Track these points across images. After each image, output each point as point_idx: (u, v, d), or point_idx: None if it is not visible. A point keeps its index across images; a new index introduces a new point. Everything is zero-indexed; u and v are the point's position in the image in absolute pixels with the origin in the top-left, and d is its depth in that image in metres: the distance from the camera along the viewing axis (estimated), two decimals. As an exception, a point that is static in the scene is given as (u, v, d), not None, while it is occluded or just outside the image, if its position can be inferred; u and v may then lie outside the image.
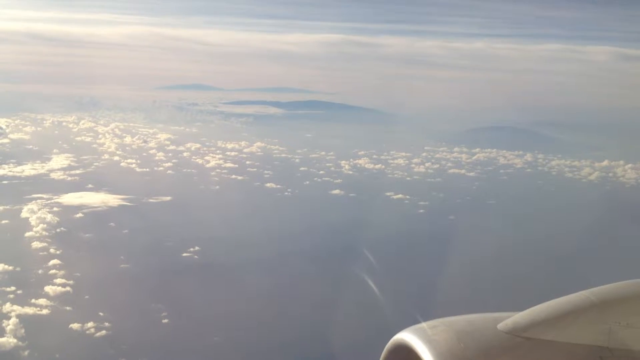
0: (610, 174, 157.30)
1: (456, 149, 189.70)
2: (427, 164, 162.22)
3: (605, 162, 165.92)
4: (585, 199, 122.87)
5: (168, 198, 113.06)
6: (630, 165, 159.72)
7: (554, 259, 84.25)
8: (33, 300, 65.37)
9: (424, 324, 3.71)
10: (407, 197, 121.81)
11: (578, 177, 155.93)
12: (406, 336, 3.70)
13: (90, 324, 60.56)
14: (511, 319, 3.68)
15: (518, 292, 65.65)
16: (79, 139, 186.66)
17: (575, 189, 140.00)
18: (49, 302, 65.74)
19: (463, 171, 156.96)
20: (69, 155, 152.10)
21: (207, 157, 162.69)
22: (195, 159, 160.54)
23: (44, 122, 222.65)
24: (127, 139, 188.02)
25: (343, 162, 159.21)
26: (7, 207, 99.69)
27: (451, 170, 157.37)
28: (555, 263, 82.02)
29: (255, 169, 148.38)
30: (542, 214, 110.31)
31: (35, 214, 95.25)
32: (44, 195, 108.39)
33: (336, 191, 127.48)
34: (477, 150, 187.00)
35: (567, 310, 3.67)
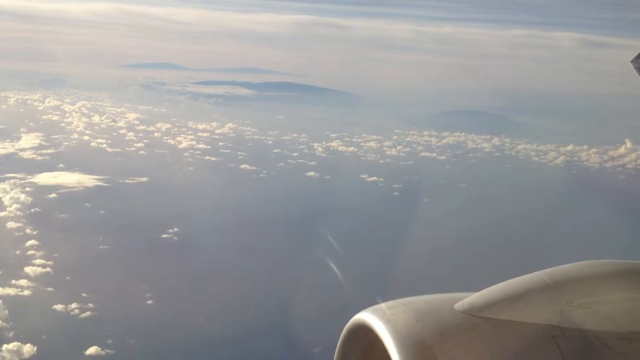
0: (575, 158, 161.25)
1: (426, 132, 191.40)
2: (398, 147, 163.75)
3: (570, 147, 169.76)
4: (552, 182, 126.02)
5: (144, 179, 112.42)
6: (594, 149, 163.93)
7: (523, 240, 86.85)
8: (13, 281, 65.10)
9: (382, 305, 3.83)
10: (381, 179, 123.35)
11: (544, 161, 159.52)
12: (365, 316, 3.81)
13: (74, 305, 60.64)
14: (467, 299, 3.81)
15: (489, 272, 67.53)
16: (45, 117, 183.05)
17: (542, 172, 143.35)
18: (30, 282, 65.53)
19: (434, 154, 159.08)
20: (38, 134, 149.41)
21: (178, 138, 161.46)
22: (167, 140, 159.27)
23: (8, 99, 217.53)
24: (95, 118, 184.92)
25: (316, 144, 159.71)
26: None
27: (422, 154, 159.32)
28: (524, 244, 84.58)
29: (228, 150, 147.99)
30: (512, 197, 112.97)
31: (8, 194, 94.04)
32: (17, 175, 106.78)
33: (311, 173, 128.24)
34: (447, 134, 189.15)
35: (522, 290, 3.83)
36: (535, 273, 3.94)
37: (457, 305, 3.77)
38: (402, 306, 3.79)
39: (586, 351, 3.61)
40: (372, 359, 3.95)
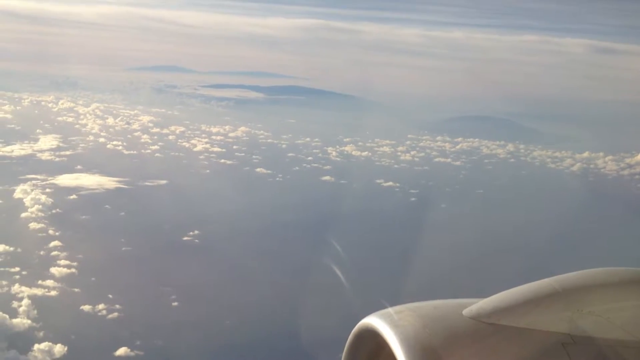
0: (592, 165, 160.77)
1: (439, 137, 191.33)
2: (412, 152, 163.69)
3: (586, 154, 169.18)
4: (570, 189, 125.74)
5: (163, 182, 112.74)
6: (610, 157, 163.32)
7: (539, 247, 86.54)
8: (40, 282, 65.38)
9: (390, 309, 3.76)
10: (397, 185, 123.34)
11: (561, 168, 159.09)
12: (373, 321, 3.74)
13: (101, 306, 60.91)
14: (476, 305, 3.74)
15: (501, 278, 67.32)
16: (60, 119, 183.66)
17: (560, 179, 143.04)
18: (55, 283, 65.86)
19: (449, 160, 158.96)
20: (56, 136, 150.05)
21: (193, 141, 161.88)
22: (182, 143, 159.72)
23: (22, 101, 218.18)
24: (110, 120, 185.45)
25: (330, 148, 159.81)
26: (0, 187, 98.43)
27: (437, 159, 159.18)
28: (540, 250, 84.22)
29: (243, 154, 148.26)
30: (530, 204, 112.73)
31: (29, 195, 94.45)
32: (38, 176, 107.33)
33: (326, 177, 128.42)
34: (460, 139, 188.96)
35: (531, 297, 3.74)
36: (545, 280, 3.88)
37: (466, 311, 3.71)
38: (410, 311, 3.73)
39: None
40: None
